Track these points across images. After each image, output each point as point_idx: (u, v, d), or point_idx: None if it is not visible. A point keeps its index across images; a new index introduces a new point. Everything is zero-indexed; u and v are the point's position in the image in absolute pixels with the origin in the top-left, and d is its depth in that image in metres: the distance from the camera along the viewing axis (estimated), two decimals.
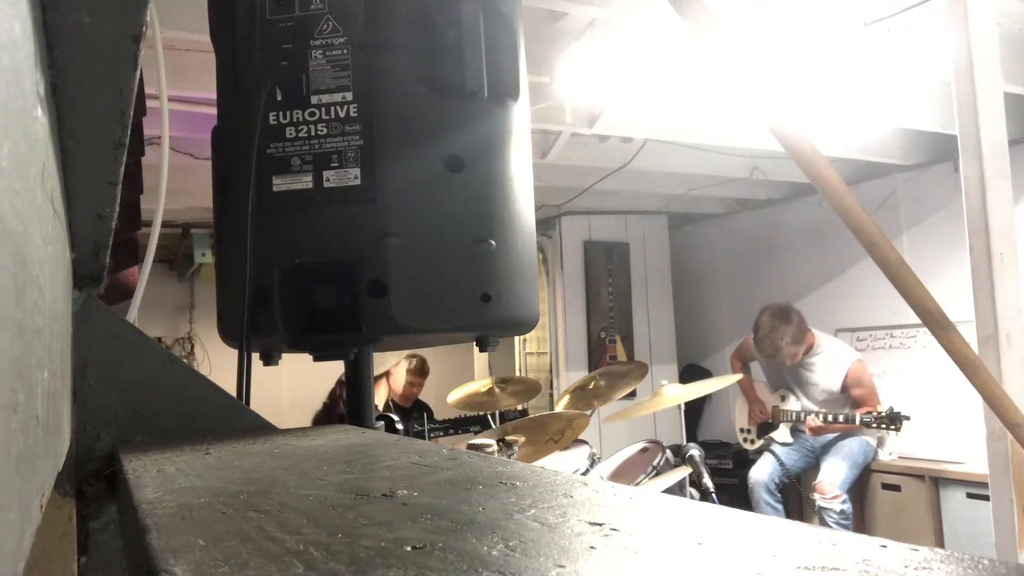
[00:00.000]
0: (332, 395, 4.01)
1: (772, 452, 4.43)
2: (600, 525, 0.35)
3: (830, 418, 4.16)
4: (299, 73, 0.96)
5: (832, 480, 4.11)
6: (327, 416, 3.91)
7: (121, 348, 0.86)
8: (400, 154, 0.95)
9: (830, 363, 4.25)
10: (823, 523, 4.06)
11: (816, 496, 4.13)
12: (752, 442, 4.62)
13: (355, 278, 0.92)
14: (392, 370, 4.18)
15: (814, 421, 4.19)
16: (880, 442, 4.33)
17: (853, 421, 4.08)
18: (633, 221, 5.71)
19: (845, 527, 4.04)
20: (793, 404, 4.41)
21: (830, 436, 4.30)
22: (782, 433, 4.44)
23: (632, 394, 4.46)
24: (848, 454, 4.20)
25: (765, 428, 4.54)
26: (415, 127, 0.96)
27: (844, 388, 4.21)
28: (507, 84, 1.02)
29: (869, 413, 4.03)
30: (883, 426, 3.96)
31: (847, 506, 4.08)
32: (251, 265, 0.94)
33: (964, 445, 4.02)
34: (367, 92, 0.95)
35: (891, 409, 3.96)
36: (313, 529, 0.36)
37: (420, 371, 4.46)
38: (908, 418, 3.93)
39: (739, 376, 4.23)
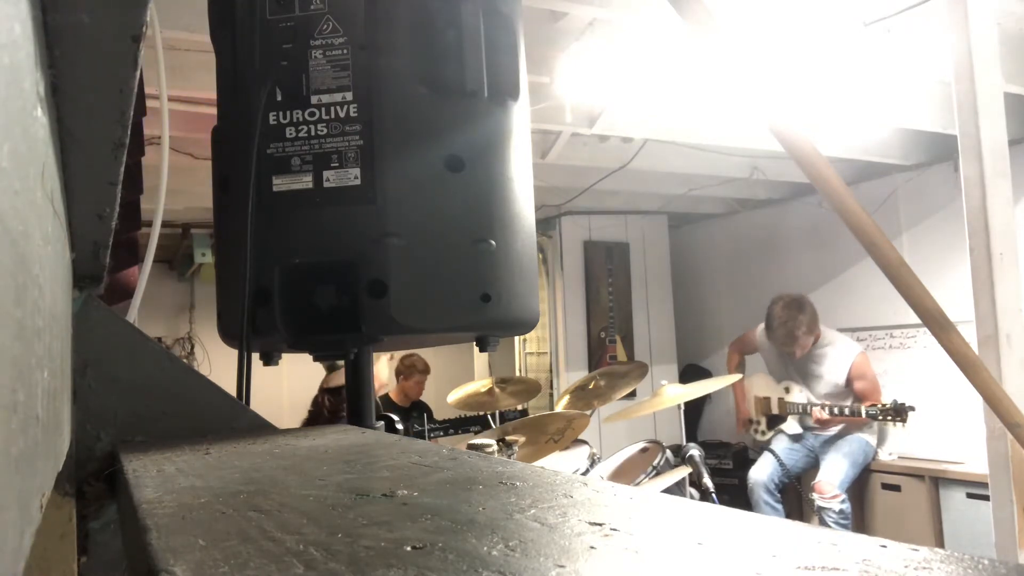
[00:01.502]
0: (315, 403, 3.98)
1: (772, 452, 4.44)
2: (600, 525, 0.35)
3: (835, 411, 4.17)
4: (299, 73, 0.96)
5: (831, 480, 4.12)
6: (313, 425, 3.88)
7: (121, 348, 0.86)
8: (400, 154, 0.95)
9: (835, 355, 4.28)
10: (822, 523, 4.06)
11: (815, 496, 4.14)
12: (763, 433, 4.62)
13: (355, 278, 0.92)
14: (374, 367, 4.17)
15: (820, 413, 4.19)
16: (881, 440, 4.33)
17: (858, 414, 4.08)
18: (633, 221, 5.71)
19: (844, 527, 4.05)
20: (798, 396, 4.41)
21: (830, 435, 4.31)
22: (791, 424, 4.45)
23: (632, 394, 4.46)
24: (848, 453, 4.21)
25: (774, 420, 4.55)
26: (415, 127, 0.96)
27: (848, 380, 4.23)
28: (507, 84, 1.02)
29: (874, 406, 4.03)
30: (888, 418, 3.96)
31: (846, 506, 4.09)
32: (251, 265, 0.94)
33: (964, 445, 4.02)
34: (367, 92, 0.95)
35: (895, 401, 3.95)
36: (313, 529, 0.36)
37: (424, 369, 4.46)
38: (913, 408, 3.92)
39: (738, 376, 4.23)
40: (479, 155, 0.98)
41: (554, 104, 3.17)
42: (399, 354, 4.44)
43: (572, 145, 3.90)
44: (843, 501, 4.08)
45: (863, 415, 4.07)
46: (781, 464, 4.38)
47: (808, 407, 4.30)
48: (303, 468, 0.57)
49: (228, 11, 1.00)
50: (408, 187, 0.94)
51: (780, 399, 4.51)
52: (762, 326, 4.54)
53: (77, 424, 0.82)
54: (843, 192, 1.13)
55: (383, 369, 4.25)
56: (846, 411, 4.14)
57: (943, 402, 4.16)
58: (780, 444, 4.46)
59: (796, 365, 4.39)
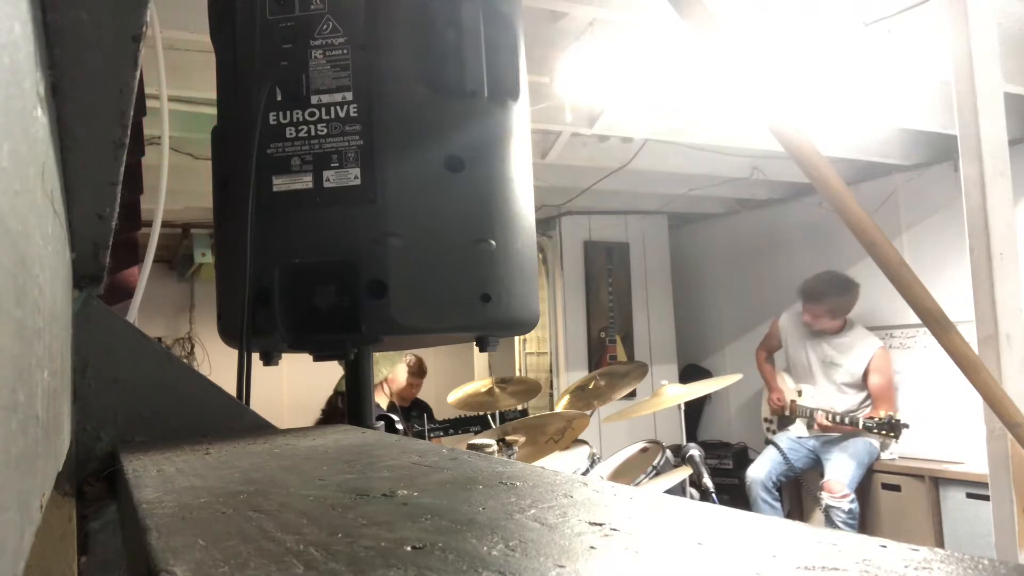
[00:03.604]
0: (330, 403, 3.98)
1: (777, 447, 4.46)
2: (600, 525, 0.35)
3: (837, 419, 4.23)
4: (299, 73, 0.96)
5: (840, 479, 4.13)
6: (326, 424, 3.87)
7: (121, 348, 0.86)
8: (400, 154, 0.95)
9: (856, 346, 4.35)
10: (829, 522, 4.06)
11: (824, 495, 4.15)
12: (774, 432, 4.68)
13: (355, 278, 0.92)
14: (389, 376, 4.16)
15: (823, 419, 4.26)
16: (884, 444, 4.35)
17: (856, 424, 4.13)
18: (633, 221, 5.70)
19: (852, 527, 4.05)
20: (808, 400, 4.46)
21: (832, 436, 4.33)
22: (798, 427, 4.49)
23: (632, 394, 4.46)
24: (854, 453, 4.23)
25: (784, 421, 4.60)
26: (415, 127, 0.96)
27: (865, 373, 4.28)
28: (507, 84, 1.02)
29: (871, 418, 4.08)
30: (883, 432, 4.01)
31: (855, 505, 4.10)
32: (251, 265, 0.94)
33: (964, 445, 4.02)
34: (367, 92, 0.95)
35: (891, 417, 4.01)
36: (313, 529, 0.36)
37: (418, 371, 4.45)
38: (907, 426, 3.99)
39: (738, 376, 4.24)
40: (479, 155, 0.98)
41: (554, 104, 3.17)
42: (411, 358, 4.44)
43: (572, 145, 3.90)
44: (852, 501, 4.09)
45: (860, 426, 4.12)
46: (786, 459, 4.41)
47: (816, 412, 4.35)
48: (303, 468, 0.57)
49: (228, 11, 1.00)
50: (408, 187, 0.94)
51: (792, 401, 4.56)
52: (784, 314, 4.66)
53: (77, 424, 0.82)
54: (843, 192, 1.13)
55: (402, 372, 4.25)
56: (846, 420, 4.20)
57: (943, 402, 4.16)
58: (784, 441, 4.49)
59: (818, 351, 4.44)
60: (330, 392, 4.03)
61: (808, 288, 4.40)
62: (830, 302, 4.32)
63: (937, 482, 4.09)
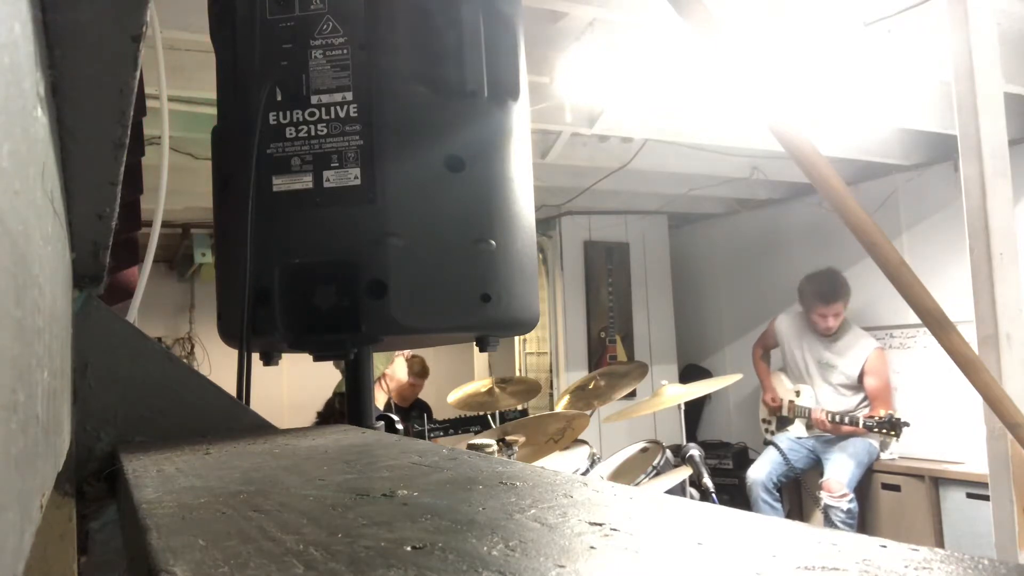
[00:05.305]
0: (328, 404, 3.97)
1: (777, 447, 4.46)
2: (600, 525, 0.35)
3: (836, 419, 4.23)
4: (299, 73, 0.96)
5: (840, 478, 4.13)
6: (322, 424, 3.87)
7: (121, 348, 0.86)
8: (400, 154, 0.95)
9: (853, 346, 4.35)
10: (829, 521, 4.07)
11: (823, 494, 4.15)
12: (772, 432, 4.68)
13: (355, 278, 0.92)
14: (387, 372, 4.14)
15: (820, 415, 4.25)
16: (883, 444, 4.35)
17: (856, 424, 4.13)
18: (633, 221, 5.70)
19: (850, 526, 4.06)
20: (807, 400, 4.46)
21: (830, 435, 4.33)
22: (797, 427, 4.49)
23: (632, 394, 4.46)
24: (854, 453, 4.23)
25: (783, 421, 4.61)
26: (415, 127, 0.96)
27: (861, 374, 4.28)
28: (507, 84, 1.02)
29: (872, 417, 4.08)
30: (883, 431, 4.01)
31: (854, 505, 4.10)
32: (251, 265, 0.94)
33: (964, 445, 4.02)
34: (367, 92, 0.95)
35: (891, 416, 4.00)
36: (313, 529, 0.36)
37: (421, 371, 4.45)
38: (907, 424, 3.98)
39: (738, 376, 4.24)
40: (479, 155, 0.98)
41: (554, 104, 3.17)
42: (408, 353, 4.44)
43: (572, 145, 3.90)
44: (851, 501, 4.09)
45: (860, 426, 4.11)
46: (786, 459, 4.41)
47: (813, 411, 4.35)
48: (303, 468, 0.57)
49: (228, 11, 1.00)
50: (408, 187, 0.94)
51: (791, 402, 4.56)
52: (782, 316, 4.67)
53: (77, 424, 0.82)
54: (843, 192, 1.13)
55: (400, 368, 4.23)
56: (845, 420, 4.19)
57: (943, 402, 4.16)
58: (783, 442, 4.49)
59: (814, 352, 4.44)
60: (330, 393, 4.03)
61: (823, 291, 4.35)
62: (844, 300, 4.33)
63: (937, 482, 4.09)
